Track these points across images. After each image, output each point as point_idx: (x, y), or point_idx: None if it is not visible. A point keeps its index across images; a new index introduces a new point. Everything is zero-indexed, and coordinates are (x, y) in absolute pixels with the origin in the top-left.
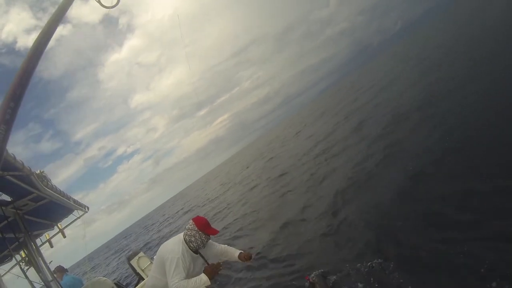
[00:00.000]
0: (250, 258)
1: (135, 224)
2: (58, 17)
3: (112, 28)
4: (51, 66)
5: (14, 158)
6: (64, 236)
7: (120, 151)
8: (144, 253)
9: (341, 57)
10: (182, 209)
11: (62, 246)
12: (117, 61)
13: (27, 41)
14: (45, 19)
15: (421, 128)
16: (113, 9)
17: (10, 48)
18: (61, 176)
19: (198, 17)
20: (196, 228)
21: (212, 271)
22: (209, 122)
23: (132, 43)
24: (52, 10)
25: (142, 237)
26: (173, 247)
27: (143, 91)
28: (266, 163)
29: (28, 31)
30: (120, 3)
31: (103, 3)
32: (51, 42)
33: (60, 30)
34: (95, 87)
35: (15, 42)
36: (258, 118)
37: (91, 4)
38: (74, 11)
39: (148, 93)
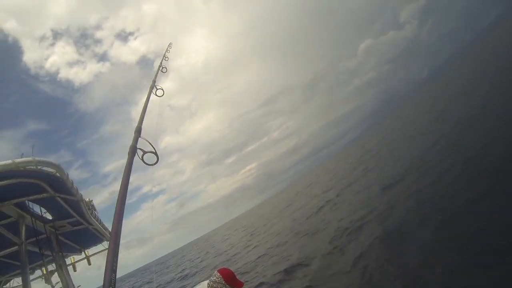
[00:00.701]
0: None
1: (152, 262)
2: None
3: (148, 70)
4: (88, 100)
5: (72, 183)
6: (89, 263)
7: (145, 189)
8: None
9: (369, 106)
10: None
11: (80, 271)
12: (150, 102)
13: (69, 73)
14: (87, 55)
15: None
16: (161, 97)
17: (52, 78)
18: None
19: (228, 65)
20: (223, 281)
21: None
22: (236, 170)
23: (165, 85)
24: (94, 48)
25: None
26: None
27: (173, 134)
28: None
29: (71, 64)
30: (160, 156)
31: (146, 162)
32: (91, 77)
33: (99, 67)
34: (127, 124)
35: (57, 73)
36: (285, 169)
37: (129, 45)
38: (113, 51)
39: (178, 136)
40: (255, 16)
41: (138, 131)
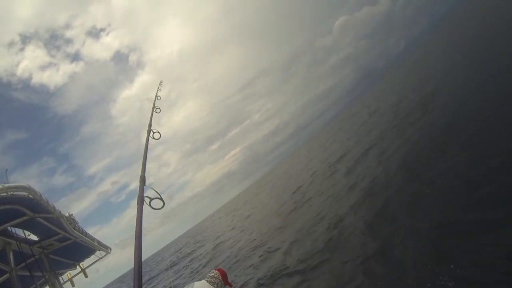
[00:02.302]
0: None
1: (148, 259)
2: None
3: (123, 65)
4: (65, 102)
5: (47, 202)
6: (86, 276)
7: (133, 186)
8: None
9: (347, 83)
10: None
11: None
12: (129, 97)
13: (42, 77)
14: (59, 57)
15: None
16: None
17: (25, 84)
18: (74, 210)
19: (204, 52)
20: (220, 278)
21: None
22: (221, 156)
23: (142, 79)
24: (66, 48)
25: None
26: None
27: (155, 127)
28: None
29: (43, 68)
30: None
31: (153, 207)
32: (65, 79)
33: (73, 67)
34: (108, 122)
35: (30, 78)
36: (270, 150)
37: (101, 42)
38: (86, 49)
39: (160, 128)
40: (229, 0)
41: (143, 180)
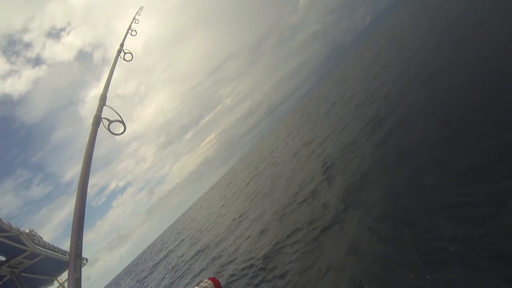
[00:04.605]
0: None
1: (137, 258)
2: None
3: (88, 63)
4: (31, 110)
5: (1, 220)
6: None
7: (112, 186)
8: None
9: (316, 59)
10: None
11: None
12: (97, 96)
13: (4, 86)
14: (19, 63)
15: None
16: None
17: None
18: (56, 219)
19: (170, 42)
20: None
21: None
22: (196, 144)
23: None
24: (26, 53)
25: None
26: None
27: (127, 123)
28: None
29: (4, 77)
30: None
31: (112, 131)
32: (29, 86)
33: (36, 72)
34: (79, 124)
35: None
36: (245, 133)
37: (63, 42)
38: (47, 52)
39: (132, 124)
40: None
41: (103, 99)
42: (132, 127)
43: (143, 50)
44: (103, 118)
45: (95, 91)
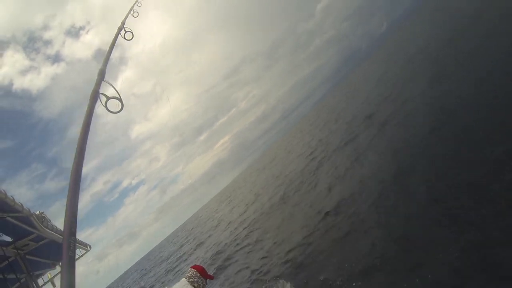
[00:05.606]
0: None
1: (146, 256)
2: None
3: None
4: (50, 106)
5: (13, 200)
6: None
7: (125, 183)
8: None
9: (332, 64)
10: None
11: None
12: (113, 94)
13: (23, 82)
14: (39, 59)
15: None
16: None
17: (7, 91)
18: None
19: (187, 43)
20: (198, 275)
21: None
22: (210, 146)
23: (126, 75)
24: (46, 50)
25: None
26: None
27: (142, 122)
28: None
29: (24, 73)
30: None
31: (109, 109)
32: (47, 82)
33: (54, 69)
34: (94, 121)
35: (11, 84)
36: (258, 137)
37: (82, 41)
38: (66, 49)
39: (147, 123)
40: None
41: (101, 73)
42: (147, 126)
43: (160, 50)
44: (101, 94)
45: (111, 90)
